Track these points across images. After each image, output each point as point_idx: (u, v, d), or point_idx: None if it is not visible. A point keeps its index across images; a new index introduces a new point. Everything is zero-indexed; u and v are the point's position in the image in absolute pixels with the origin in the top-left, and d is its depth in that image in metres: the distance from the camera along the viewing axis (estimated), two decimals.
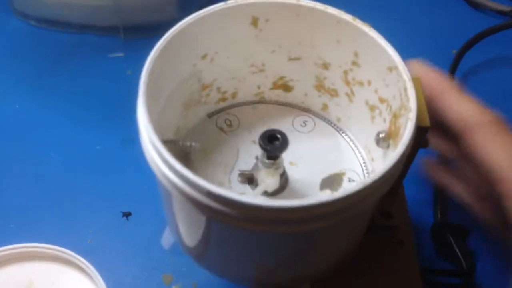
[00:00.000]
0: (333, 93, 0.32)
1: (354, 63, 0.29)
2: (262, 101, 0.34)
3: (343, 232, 0.26)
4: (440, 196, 0.43)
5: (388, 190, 0.24)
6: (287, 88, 0.33)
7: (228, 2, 0.28)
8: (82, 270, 0.36)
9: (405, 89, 0.25)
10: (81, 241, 0.40)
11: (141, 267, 0.40)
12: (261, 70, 0.32)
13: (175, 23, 0.27)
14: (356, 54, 0.29)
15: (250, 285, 0.33)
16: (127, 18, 0.54)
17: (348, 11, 0.28)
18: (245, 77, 0.32)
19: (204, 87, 0.31)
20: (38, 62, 0.52)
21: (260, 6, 0.28)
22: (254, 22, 0.29)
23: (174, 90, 0.29)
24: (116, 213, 0.42)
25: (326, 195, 0.22)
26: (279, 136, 0.27)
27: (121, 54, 0.53)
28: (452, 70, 0.52)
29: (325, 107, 0.33)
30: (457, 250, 0.39)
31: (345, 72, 0.30)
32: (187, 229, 0.28)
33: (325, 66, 0.31)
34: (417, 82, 0.27)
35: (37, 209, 0.42)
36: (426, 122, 0.27)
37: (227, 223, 0.23)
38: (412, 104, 0.25)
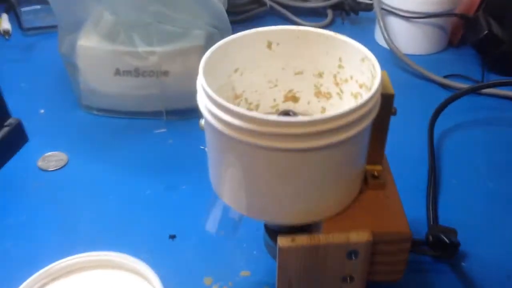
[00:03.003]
0: (328, 95, 0.44)
1: (339, 66, 0.42)
2: (277, 112, 0.46)
3: (347, 154, 0.36)
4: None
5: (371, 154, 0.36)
6: (295, 99, 0.45)
7: (251, 30, 0.42)
8: (143, 276, 0.42)
9: (373, 66, 0.38)
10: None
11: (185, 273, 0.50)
12: (275, 85, 0.45)
13: None
14: (340, 59, 0.42)
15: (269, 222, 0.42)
16: (170, 104, 0.69)
17: None
18: (264, 91, 0.45)
19: (236, 97, 0.44)
20: (99, 139, 0.67)
21: (273, 32, 0.42)
22: (269, 45, 0.43)
23: (215, 92, 0.41)
24: (164, 236, 0.53)
25: (326, 114, 0.33)
26: (291, 113, 0.39)
27: (164, 130, 0.67)
28: (431, 126, 0.65)
29: (323, 110, 0.45)
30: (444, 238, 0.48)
31: (335, 76, 0.43)
32: (223, 165, 0.38)
33: (320, 74, 0.43)
34: (383, 73, 0.40)
35: (99, 238, 0.54)
36: (391, 90, 0.39)
37: (254, 143, 0.33)
38: (378, 71, 0.37)
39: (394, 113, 0.40)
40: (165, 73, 0.67)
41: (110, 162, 0.63)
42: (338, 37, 0.41)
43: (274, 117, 0.33)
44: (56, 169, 0.62)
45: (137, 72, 0.67)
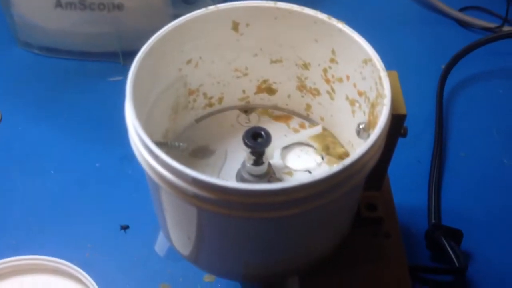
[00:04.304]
0: (315, 92, 0.33)
1: (332, 60, 0.31)
2: (247, 106, 0.35)
3: (327, 218, 0.27)
4: (435, 201, 0.44)
5: (370, 179, 0.25)
6: (271, 91, 0.34)
7: (209, 8, 0.29)
8: (81, 282, 0.37)
9: (380, 78, 0.27)
10: (79, 255, 0.41)
11: (139, 278, 0.41)
12: (245, 74, 0.33)
13: None
14: (333, 52, 0.30)
15: (241, 280, 0.33)
16: (127, 45, 0.56)
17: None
18: (229, 82, 0.33)
19: (191, 92, 0.33)
20: (40, 87, 0.55)
21: (240, 11, 0.30)
22: (235, 26, 0.31)
23: (161, 94, 0.30)
24: (115, 227, 0.44)
25: (306, 177, 0.23)
26: (262, 133, 0.28)
27: (120, 78, 0.55)
28: (441, 83, 0.53)
29: (308, 107, 0.34)
30: (450, 251, 0.40)
31: (325, 70, 0.31)
32: (176, 224, 0.29)
33: (305, 66, 0.32)
34: (393, 75, 0.29)
35: (37, 223, 0.44)
36: (403, 110, 0.28)
37: (213, 211, 0.24)
38: (387, 91, 0.26)
39: (404, 135, 0.29)
40: (119, 7, 0.54)
41: (52, 121, 0.51)
42: (332, 22, 0.29)
43: (231, 184, 0.23)
44: None
45: (83, 4, 0.54)
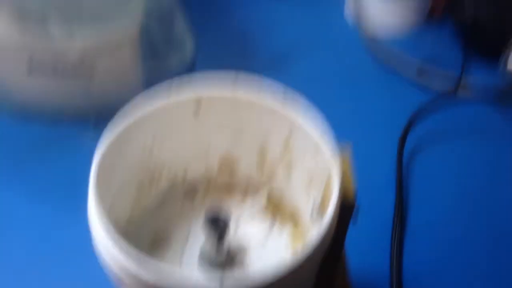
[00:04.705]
0: (272, 175, 0.35)
1: (286, 146, 0.32)
2: (210, 185, 0.36)
3: None
4: (396, 268, 0.45)
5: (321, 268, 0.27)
6: (232, 170, 0.36)
7: (171, 96, 0.31)
8: None
9: (331, 166, 0.28)
10: None
11: None
12: (206, 154, 0.35)
13: None
14: (287, 139, 0.32)
15: None
16: (98, 110, 0.57)
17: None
18: (191, 162, 0.35)
19: (154, 174, 0.34)
20: (9, 152, 0.55)
21: (202, 99, 0.32)
22: (196, 111, 0.32)
23: (124, 179, 0.32)
24: None
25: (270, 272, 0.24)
26: (221, 219, 0.30)
27: (90, 143, 0.56)
28: (401, 145, 0.55)
29: (271, 189, 0.36)
30: None
31: (281, 155, 0.33)
32: None
33: (263, 150, 0.34)
34: (345, 160, 0.31)
35: None
36: (351, 202, 0.29)
37: None
38: (335, 180, 0.28)
39: (354, 223, 0.31)
40: (91, 74, 0.56)
41: (18, 188, 0.51)
42: (287, 113, 0.31)
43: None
44: None
45: (55, 71, 0.55)
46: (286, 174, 0.34)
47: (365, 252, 0.43)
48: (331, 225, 0.26)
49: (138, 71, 0.58)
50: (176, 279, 0.23)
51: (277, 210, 0.35)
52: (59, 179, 0.52)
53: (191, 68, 0.63)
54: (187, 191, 0.36)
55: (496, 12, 0.65)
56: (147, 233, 0.33)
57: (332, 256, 0.31)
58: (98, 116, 0.57)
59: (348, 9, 0.72)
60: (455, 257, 0.48)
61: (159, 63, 0.60)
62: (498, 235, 0.49)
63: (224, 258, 0.31)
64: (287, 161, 0.33)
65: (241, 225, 0.34)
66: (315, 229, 0.31)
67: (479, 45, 0.66)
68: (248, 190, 0.36)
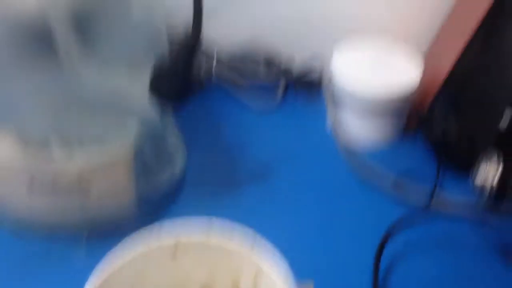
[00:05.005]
0: None
1: (254, 286, 0.36)
2: None
3: None
4: None
5: None
6: None
7: (152, 245, 0.35)
8: None
9: None
10: None
11: None
12: None
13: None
14: (254, 279, 0.36)
15: None
16: (92, 227, 0.61)
17: None
18: None
19: None
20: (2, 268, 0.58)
21: (180, 244, 0.36)
22: (173, 256, 0.36)
23: None
24: None
25: None
26: None
27: (84, 259, 0.60)
28: (377, 259, 0.58)
29: None
30: None
31: None
32: None
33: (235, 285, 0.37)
34: None
35: None
36: None
37: None
38: None
39: None
40: (86, 192, 0.60)
41: None
42: (257, 261, 0.35)
43: None
44: None
45: (54, 189, 0.60)
46: None
47: None
48: None
49: (131, 187, 0.62)
50: None
51: None
52: None
53: (180, 181, 0.68)
54: None
55: (464, 129, 0.70)
56: None
57: None
58: (91, 232, 0.61)
59: (329, 122, 0.77)
60: None
61: (151, 178, 0.65)
62: None
63: None
64: None
65: None
66: None
67: (452, 160, 0.71)
68: None
